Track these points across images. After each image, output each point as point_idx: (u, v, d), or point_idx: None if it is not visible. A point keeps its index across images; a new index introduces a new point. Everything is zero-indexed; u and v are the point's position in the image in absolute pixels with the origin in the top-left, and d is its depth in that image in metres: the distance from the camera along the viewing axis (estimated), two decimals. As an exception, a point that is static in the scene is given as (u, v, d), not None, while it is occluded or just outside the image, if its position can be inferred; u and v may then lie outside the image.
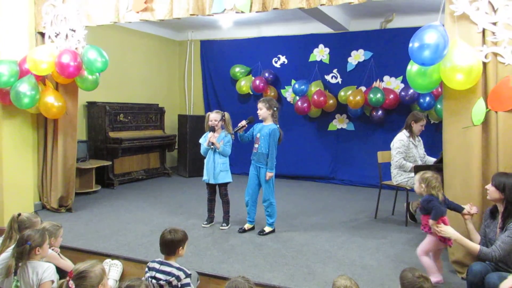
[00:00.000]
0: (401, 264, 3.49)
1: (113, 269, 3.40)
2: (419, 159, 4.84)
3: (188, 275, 2.68)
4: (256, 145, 4.34)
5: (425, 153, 4.98)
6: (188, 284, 2.69)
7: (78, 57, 4.61)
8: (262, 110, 4.28)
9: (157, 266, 2.71)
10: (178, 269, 2.67)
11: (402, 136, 4.79)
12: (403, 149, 4.74)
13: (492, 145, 3.17)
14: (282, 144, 4.42)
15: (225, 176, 4.49)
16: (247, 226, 4.43)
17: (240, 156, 6.59)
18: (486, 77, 3.17)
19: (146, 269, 2.78)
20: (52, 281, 2.71)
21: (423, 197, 3.10)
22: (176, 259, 2.77)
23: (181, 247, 2.78)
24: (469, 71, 3.04)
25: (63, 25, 4.78)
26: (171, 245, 2.74)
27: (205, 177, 4.52)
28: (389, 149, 4.96)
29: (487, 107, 3.15)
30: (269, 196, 4.30)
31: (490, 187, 2.93)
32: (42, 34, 4.96)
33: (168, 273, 2.64)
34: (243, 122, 4.31)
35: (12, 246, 2.85)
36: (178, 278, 2.63)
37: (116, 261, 3.51)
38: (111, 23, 4.64)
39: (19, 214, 3.15)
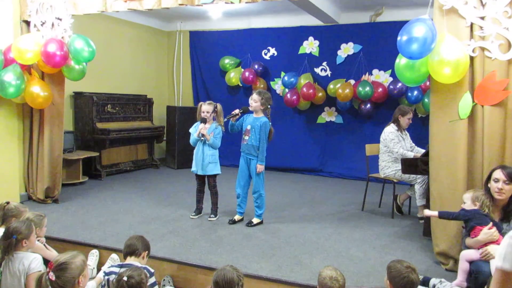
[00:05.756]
0: (387, 256, 3.54)
1: (90, 258, 3.46)
2: (408, 150, 4.87)
3: (152, 274, 2.63)
4: (246, 137, 4.32)
5: (413, 144, 5.02)
6: (155, 284, 2.66)
7: (65, 46, 4.54)
8: (257, 103, 4.23)
9: (116, 270, 2.62)
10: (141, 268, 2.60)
11: (391, 129, 4.82)
12: (398, 139, 4.76)
13: (477, 139, 3.21)
14: (271, 135, 4.41)
15: (214, 168, 4.48)
16: (237, 217, 4.44)
17: (230, 148, 6.57)
18: (473, 71, 3.19)
19: (102, 274, 2.72)
20: (40, 272, 2.70)
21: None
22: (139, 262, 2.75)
23: (146, 252, 2.82)
24: (457, 65, 3.06)
25: (49, 13, 4.69)
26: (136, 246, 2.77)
27: (193, 168, 4.51)
28: (377, 142, 4.99)
29: (473, 101, 3.18)
30: (259, 187, 4.30)
31: (506, 186, 2.79)
32: (27, 23, 4.86)
33: None
34: (237, 111, 4.28)
35: None
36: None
37: (94, 250, 3.54)
38: (98, 12, 4.58)
39: (8, 203, 3.13)
